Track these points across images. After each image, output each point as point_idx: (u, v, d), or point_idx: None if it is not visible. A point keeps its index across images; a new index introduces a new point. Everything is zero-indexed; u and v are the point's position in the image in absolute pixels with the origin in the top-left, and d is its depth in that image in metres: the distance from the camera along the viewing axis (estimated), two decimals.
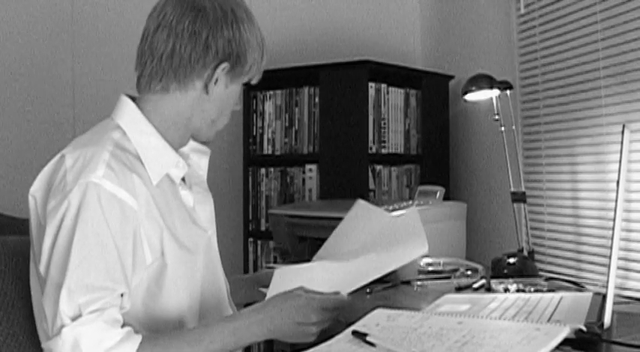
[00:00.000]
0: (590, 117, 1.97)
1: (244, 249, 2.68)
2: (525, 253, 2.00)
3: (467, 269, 1.85)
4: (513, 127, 2.11)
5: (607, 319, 1.17)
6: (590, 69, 1.95)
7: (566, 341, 1.02)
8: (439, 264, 1.86)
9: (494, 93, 2.09)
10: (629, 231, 1.78)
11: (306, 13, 2.96)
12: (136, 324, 1.17)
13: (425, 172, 2.65)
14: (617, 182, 1.20)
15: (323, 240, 1.97)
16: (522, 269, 1.84)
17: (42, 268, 1.11)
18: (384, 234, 1.46)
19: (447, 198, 2.19)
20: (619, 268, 1.73)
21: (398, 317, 1.22)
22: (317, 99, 2.54)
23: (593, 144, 1.96)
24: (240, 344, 1.17)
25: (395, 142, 2.57)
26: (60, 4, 2.68)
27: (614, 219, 1.21)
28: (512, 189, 2.08)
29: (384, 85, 2.53)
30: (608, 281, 1.19)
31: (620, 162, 1.21)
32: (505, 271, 1.83)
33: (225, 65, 1.25)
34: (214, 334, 1.14)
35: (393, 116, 2.56)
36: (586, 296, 1.42)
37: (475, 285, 1.67)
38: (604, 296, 1.22)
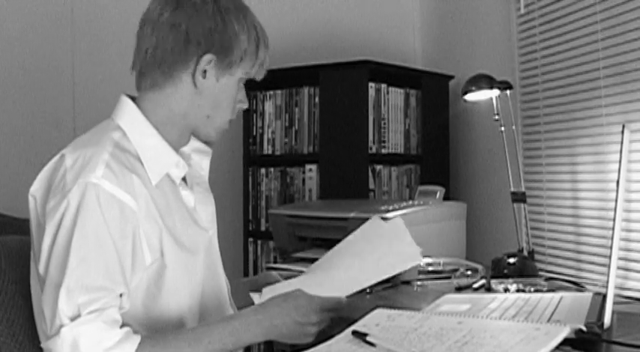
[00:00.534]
0: (590, 117, 1.97)
1: (244, 249, 2.68)
2: (525, 253, 2.00)
3: (467, 269, 1.85)
4: (513, 127, 2.11)
5: (607, 319, 1.17)
6: (590, 69, 1.95)
7: (566, 341, 1.02)
8: (439, 264, 1.86)
9: (494, 93, 2.09)
10: (629, 231, 1.78)
11: (306, 13, 2.96)
12: (136, 324, 1.17)
13: (425, 172, 2.65)
14: (617, 182, 1.20)
15: (323, 240, 1.97)
16: (522, 269, 1.84)
17: (41, 268, 1.11)
18: (372, 240, 1.46)
19: (447, 198, 2.19)
20: (619, 268, 1.73)
21: (398, 317, 1.22)
22: (317, 99, 2.54)
23: (593, 144, 1.96)
24: (239, 345, 1.17)
25: (395, 142, 2.57)
26: (60, 4, 2.68)
27: (614, 219, 1.21)
28: (512, 189, 2.08)
29: (384, 85, 2.53)
30: (608, 281, 1.19)
31: (620, 162, 1.21)
32: (505, 271, 1.83)
33: (209, 56, 1.23)
34: (214, 334, 1.15)
35: (393, 116, 2.56)
36: (586, 296, 1.42)
37: (475, 285, 1.67)
38: (604, 296, 1.22)
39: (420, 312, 1.26)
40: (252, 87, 2.76)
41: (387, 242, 1.43)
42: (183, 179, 1.32)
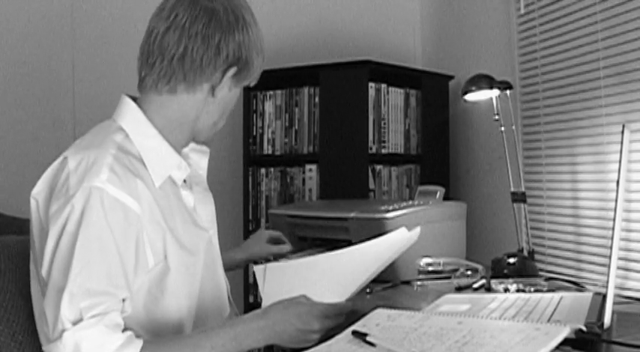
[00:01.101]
0: (590, 117, 1.97)
1: None
2: (525, 253, 2.00)
3: (467, 269, 1.85)
4: (513, 127, 2.11)
5: (607, 319, 1.17)
6: (590, 69, 1.95)
7: (566, 341, 1.02)
8: (439, 264, 1.86)
9: (494, 93, 2.09)
10: (629, 231, 1.78)
11: (306, 13, 2.96)
12: (137, 327, 1.17)
13: (425, 172, 2.65)
14: (617, 182, 1.20)
15: (323, 240, 1.97)
16: (522, 269, 1.84)
17: (44, 271, 1.11)
18: (390, 251, 1.44)
19: (447, 198, 2.18)
20: (619, 268, 1.73)
21: (398, 317, 1.22)
22: (317, 99, 2.54)
23: (593, 144, 1.96)
24: (241, 350, 1.17)
25: (395, 142, 2.57)
26: (60, 4, 2.68)
27: (614, 219, 1.21)
28: (512, 189, 2.08)
29: (384, 85, 2.53)
30: (608, 281, 1.19)
31: (620, 162, 1.21)
32: (505, 271, 1.83)
33: (234, 69, 1.26)
34: (216, 339, 1.14)
35: (393, 116, 2.56)
36: (586, 296, 1.42)
37: (475, 285, 1.67)
38: (604, 296, 1.22)
39: (420, 312, 1.26)
40: (252, 87, 2.77)
41: (398, 252, 1.42)
42: (183, 179, 1.32)
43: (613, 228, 1.21)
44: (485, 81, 2.07)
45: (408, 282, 1.77)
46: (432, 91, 2.69)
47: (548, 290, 1.55)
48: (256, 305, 2.50)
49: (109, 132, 1.23)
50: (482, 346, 1.02)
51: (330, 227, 1.92)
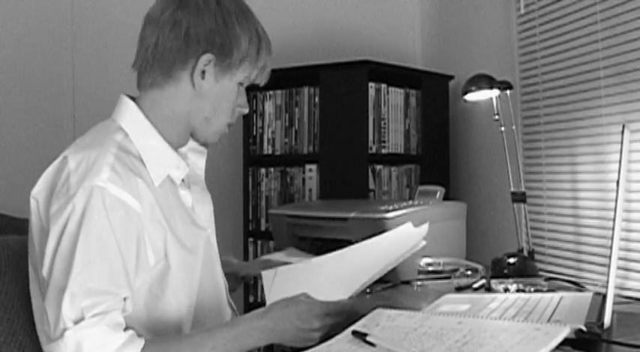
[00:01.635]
0: (590, 117, 1.97)
1: (244, 249, 2.68)
2: (525, 253, 2.00)
3: (467, 269, 1.85)
4: (513, 127, 2.11)
5: (607, 319, 1.17)
6: (590, 69, 1.95)
7: (566, 341, 1.02)
8: (439, 264, 1.86)
9: (494, 93, 2.09)
10: (629, 231, 1.78)
11: (306, 13, 2.96)
12: (138, 326, 1.17)
13: (425, 172, 2.65)
14: (617, 182, 1.20)
15: (323, 240, 1.97)
16: (522, 269, 1.84)
17: (44, 271, 1.11)
18: (396, 246, 1.43)
19: (447, 198, 2.18)
20: (619, 268, 1.73)
21: (398, 317, 1.22)
22: (317, 99, 2.54)
23: (593, 144, 1.96)
24: (242, 349, 1.17)
25: (395, 142, 2.57)
26: (60, 4, 2.68)
27: (614, 219, 1.21)
28: (512, 189, 2.08)
29: (384, 85, 2.53)
30: (608, 281, 1.19)
31: (620, 162, 1.21)
32: (505, 271, 1.83)
33: (208, 56, 1.23)
34: (217, 339, 1.14)
35: (393, 116, 2.56)
36: (586, 296, 1.42)
37: (475, 285, 1.67)
38: (604, 296, 1.22)
39: (420, 312, 1.26)
40: (252, 87, 2.76)
41: (405, 248, 1.41)
42: (181, 179, 1.32)
43: (613, 228, 1.21)
44: (485, 81, 2.07)
45: (408, 282, 1.77)
46: (432, 91, 2.69)
47: (548, 290, 1.55)
48: (256, 305, 2.50)
49: (109, 131, 1.23)
50: (482, 346, 1.02)
51: (330, 227, 1.92)
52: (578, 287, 1.70)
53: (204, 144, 1.38)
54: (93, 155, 1.15)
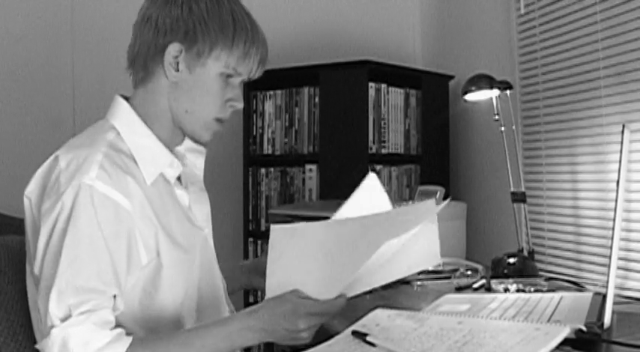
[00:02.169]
0: (590, 117, 1.97)
1: (244, 249, 2.68)
2: (525, 253, 2.00)
3: (467, 269, 1.85)
4: (513, 127, 2.11)
5: (607, 319, 1.17)
6: (590, 69, 1.95)
7: (566, 341, 1.02)
8: (439, 264, 1.86)
9: (494, 93, 2.09)
10: (629, 231, 1.78)
11: (306, 13, 2.96)
12: (133, 324, 1.17)
13: (425, 172, 2.65)
14: (617, 182, 1.20)
15: None
16: (522, 269, 1.84)
17: (36, 269, 1.11)
18: (398, 225, 1.32)
19: (447, 198, 2.18)
20: (619, 268, 1.73)
21: (398, 317, 1.22)
22: (317, 99, 2.54)
23: (593, 144, 1.96)
24: (232, 348, 1.15)
25: (395, 142, 2.57)
26: (60, 4, 2.68)
27: (614, 219, 1.21)
28: (512, 189, 2.08)
29: (384, 85, 2.53)
30: (608, 281, 1.19)
31: (620, 162, 1.21)
32: (505, 271, 1.83)
33: (175, 46, 1.21)
34: (206, 338, 1.13)
35: (393, 116, 2.56)
36: (586, 296, 1.42)
37: (475, 285, 1.67)
38: (604, 296, 1.22)
39: (420, 312, 1.26)
40: (252, 87, 2.78)
41: (422, 235, 1.25)
42: (178, 178, 1.31)
43: (613, 228, 1.21)
44: (485, 81, 2.07)
45: (408, 282, 1.77)
46: (432, 91, 2.69)
47: (548, 290, 1.55)
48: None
49: (101, 131, 1.23)
50: (482, 346, 1.02)
51: None
52: (578, 287, 1.70)
53: (201, 144, 1.36)
54: (83, 154, 1.15)
